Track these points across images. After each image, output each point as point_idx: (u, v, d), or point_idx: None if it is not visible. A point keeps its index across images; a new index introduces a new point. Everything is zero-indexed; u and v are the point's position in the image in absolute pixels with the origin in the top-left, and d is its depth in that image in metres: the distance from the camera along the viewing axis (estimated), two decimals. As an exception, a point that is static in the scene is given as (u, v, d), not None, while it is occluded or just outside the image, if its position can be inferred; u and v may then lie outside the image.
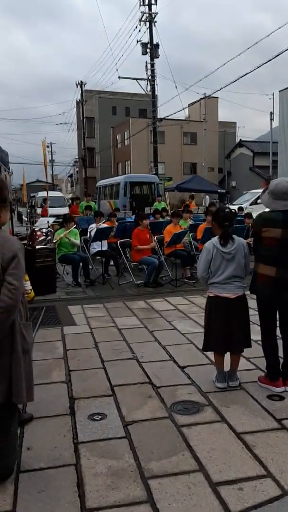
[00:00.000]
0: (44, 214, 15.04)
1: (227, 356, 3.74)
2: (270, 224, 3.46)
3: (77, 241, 8.38)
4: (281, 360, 3.68)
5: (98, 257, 8.95)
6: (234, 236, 3.67)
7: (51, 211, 16.15)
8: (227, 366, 3.77)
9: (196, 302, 6.73)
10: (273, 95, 29.64)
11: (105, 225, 9.11)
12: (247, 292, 3.69)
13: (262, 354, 3.76)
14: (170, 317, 5.94)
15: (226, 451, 2.79)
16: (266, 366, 3.72)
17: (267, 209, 3.60)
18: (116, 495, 2.40)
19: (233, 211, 12.92)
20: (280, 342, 3.69)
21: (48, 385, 3.87)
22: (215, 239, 3.66)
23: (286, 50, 14.56)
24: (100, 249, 8.58)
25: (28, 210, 23.35)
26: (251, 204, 19.47)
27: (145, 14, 22.69)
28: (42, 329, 5.51)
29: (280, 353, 3.69)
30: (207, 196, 18.90)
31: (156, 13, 22.74)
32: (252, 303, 3.72)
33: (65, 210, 20.02)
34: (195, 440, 2.93)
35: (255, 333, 3.86)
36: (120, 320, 5.84)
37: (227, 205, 20.73)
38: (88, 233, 9.13)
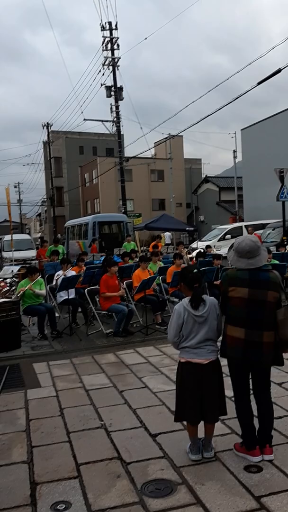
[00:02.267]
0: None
1: (201, 422, 3.51)
2: (236, 283, 3.33)
3: (43, 291, 8.08)
4: (256, 426, 3.47)
5: (65, 305, 8.65)
6: (205, 297, 3.50)
7: (17, 254, 15.76)
8: (201, 433, 3.53)
9: (168, 352, 6.50)
10: (235, 133, 30.90)
11: (72, 273, 8.87)
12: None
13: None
14: (140, 373, 5.68)
15: None
16: (241, 434, 3.51)
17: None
18: None
19: (202, 250, 13.00)
20: (254, 407, 3.50)
21: (7, 466, 3.53)
22: (185, 301, 3.47)
23: (246, 92, 15.12)
24: (67, 297, 8.30)
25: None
26: (219, 240, 19.73)
27: (108, 59, 23.35)
28: (4, 394, 5.15)
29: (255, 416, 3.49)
30: (167, 233, 19.11)
31: (119, 58, 23.45)
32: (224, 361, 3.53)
33: (32, 253, 19.64)
34: (169, 532, 2.65)
35: (229, 390, 3.63)
36: (88, 379, 5.53)
37: (196, 241, 20.98)
38: (55, 280, 8.86)
